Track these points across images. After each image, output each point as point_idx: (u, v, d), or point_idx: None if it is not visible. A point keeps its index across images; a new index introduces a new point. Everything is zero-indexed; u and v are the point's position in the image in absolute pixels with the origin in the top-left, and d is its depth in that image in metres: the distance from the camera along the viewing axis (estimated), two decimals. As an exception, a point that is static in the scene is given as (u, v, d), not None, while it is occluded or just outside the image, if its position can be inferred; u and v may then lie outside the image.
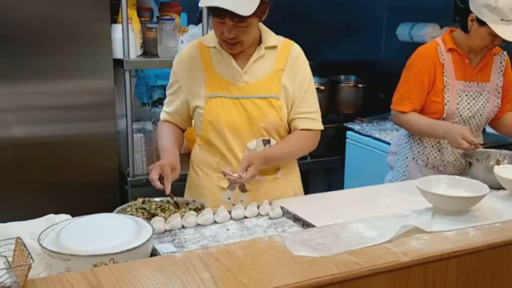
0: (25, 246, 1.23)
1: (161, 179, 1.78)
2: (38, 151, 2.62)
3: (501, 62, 2.41)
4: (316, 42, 4.38)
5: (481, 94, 2.37)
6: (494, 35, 2.20)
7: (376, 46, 4.47)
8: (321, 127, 2.01)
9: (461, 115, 2.35)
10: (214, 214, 1.71)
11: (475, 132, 2.40)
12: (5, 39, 2.51)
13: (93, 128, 2.72)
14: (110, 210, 1.65)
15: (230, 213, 1.74)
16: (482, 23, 2.21)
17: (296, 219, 1.73)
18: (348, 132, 3.85)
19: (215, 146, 1.94)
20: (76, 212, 1.64)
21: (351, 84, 4.19)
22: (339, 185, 3.93)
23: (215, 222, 1.70)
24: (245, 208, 1.76)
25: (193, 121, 2.06)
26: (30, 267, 1.16)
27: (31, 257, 1.17)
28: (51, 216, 1.63)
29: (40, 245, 1.36)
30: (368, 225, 1.53)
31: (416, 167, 2.50)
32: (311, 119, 1.97)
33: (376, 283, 1.30)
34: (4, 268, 1.16)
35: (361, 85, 4.17)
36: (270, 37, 1.96)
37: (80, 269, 1.27)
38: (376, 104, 4.08)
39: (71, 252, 1.30)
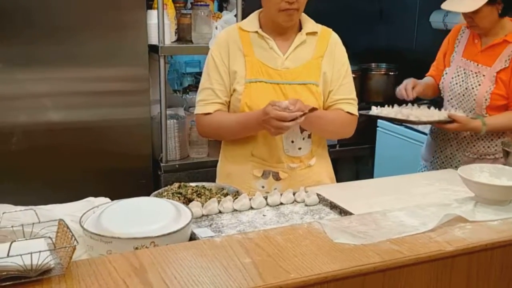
0: (68, 228, 1.24)
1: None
2: (73, 135, 2.66)
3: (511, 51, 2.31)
4: (347, 30, 4.28)
5: (477, 76, 2.35)
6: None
7: (408, 34, 4.38)
8: (357, 113, 2.01)
9: (451, 90, 2.42)
10: (250, 200, 1.70)
11: (469, 114, 2.38)
12: (42, 26, 2.54)
13: (127, 114, 2.74)
14: (143, 195, 1.65)
15: (266, 199, 1.73)
16: None
17: (333, 206, 1.71)
18: (379, 121, 3.80)
19: None
20: (109, 196, 1.65)
21: (383, 72, 4.13)
22: (368, 174, 3.89)
23: (251, 208, 1.69)
24: (281, 195, 1.76)
25: None
26: (74, 249, 1.16)
27: (75, 239, 1.17)
28: (90, 199, 1.64)
29: (82, 227, 1.37)
30: (409, 213, 1.50)
31: None
32: (348, 103, 1.98)
33: (419, 272, 1.28)
34: (47, 250, 1.17)
35: (392, 73, 4.11)
36: (310, 24, 1.97)
37: (121, 252, 1.27)
38: (408, 93, 4.01)
39: (112, 235, 1.31)
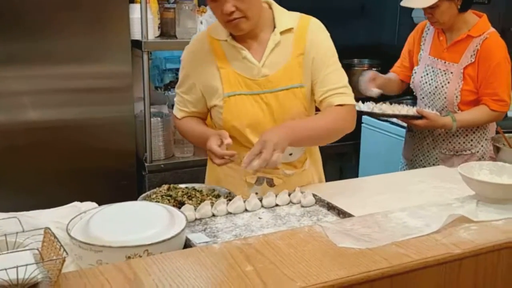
0: (55, 237, 1.16)
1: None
2: (54, 135, 2.56)
3: (476, 46, 2.28)
4: (328, 25, 4.27)
5: (445, 73, 2.35)
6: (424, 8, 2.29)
7: (390, 29, 4.37)
8: (352, 101, 1.82)
9: (422, 89, 2.43)
10: (245, 202, 1.63)
11: (442, 111, 2.38)
12: (21, 22, 2.43)
13: (110, 112, 2.65)
14: (126, 196, 1.59)
15: (261, 201, 1.66)
16: None
17: (330, 207, 1.65)
18: (364, 117, 3.76)
19: (238, 142, 1.80)
20: (92, 198, 1.59)
21: (365, 68, 4.09)
22: (352, 171, 3.86)
23: (246, 210, 1.63)
24: (276, 196, 1.69)
25: None
26: (64, 261, 1.08)
27: (65, 250, 1.09)
28: (76, 203, 1.55)
29: (69, 235, 1.29)
30: (411, 214, 1.45)
31: None
32: (339, 93, 1.78)
33: (426, 276, 1.23)
34: (34, 263, 1.09)
35: (375, 69, 4.04)
36: (284, 18, 1.78)
37: (113, 261, 1.20)
38: (392, 88, 4.00)
39: (103, 244, 1.23)
